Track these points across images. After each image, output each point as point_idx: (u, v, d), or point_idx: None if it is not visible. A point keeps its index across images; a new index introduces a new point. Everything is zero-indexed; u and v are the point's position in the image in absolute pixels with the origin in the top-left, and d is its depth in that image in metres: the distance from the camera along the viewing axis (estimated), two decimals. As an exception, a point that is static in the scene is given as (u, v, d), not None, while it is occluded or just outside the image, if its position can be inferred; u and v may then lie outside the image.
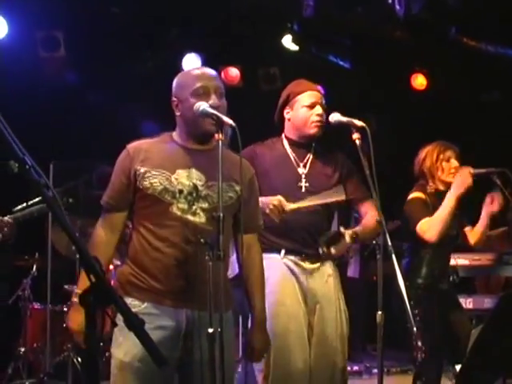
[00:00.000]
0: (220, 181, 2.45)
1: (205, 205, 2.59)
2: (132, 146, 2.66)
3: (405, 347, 6.61)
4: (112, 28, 6.64)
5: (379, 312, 2.93)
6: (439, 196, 4.10)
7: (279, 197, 3.21)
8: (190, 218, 2.56)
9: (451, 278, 3.54)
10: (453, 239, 4.15)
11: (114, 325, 1.59)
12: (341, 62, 7.29)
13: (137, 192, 2.59)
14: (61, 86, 6.90)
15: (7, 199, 4.58)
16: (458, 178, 3.95)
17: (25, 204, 4.80)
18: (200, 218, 2.57)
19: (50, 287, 5.34)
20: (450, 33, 6.56)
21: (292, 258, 3.35)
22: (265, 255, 3.35)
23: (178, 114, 2.66)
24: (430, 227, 3.93)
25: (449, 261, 4.19)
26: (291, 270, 3.34)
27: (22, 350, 5.52)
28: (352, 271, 7.47)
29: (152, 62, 6.99)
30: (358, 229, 3.38)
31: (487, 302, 4.79)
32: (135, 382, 2.48)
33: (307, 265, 3.36)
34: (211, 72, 2.70)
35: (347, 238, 3.25)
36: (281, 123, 3.55)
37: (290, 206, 3.22)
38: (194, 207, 2.57)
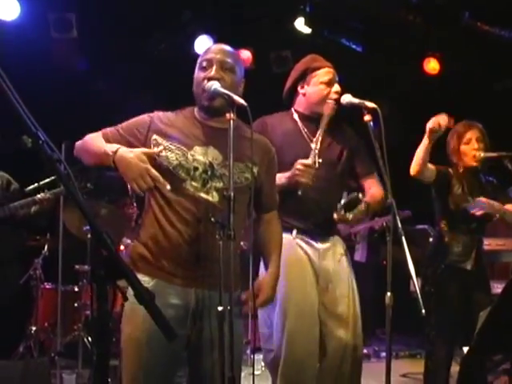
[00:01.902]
0: (231, 159, 2.44)
1: (219, 184, 2.57)
2: (157, 113, 2.68)
3: (414, 332, 6.67)
4: (124, 10, 6.63)
5: (388, 293, 2.93)
6: (469, 175, 4.14)
7: (299, 161, 3.18)
8: (204, 196, 2.55)
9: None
10: (471, 215, 4.08)
11: (125, 299, 1.60)
12: (353, 46, 7.27)
13: (150, 162, 2.54)
14: (73, 67, 6.91)
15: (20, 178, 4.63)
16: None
17: (36, 184, 4.84)
18: (213, 197, 2.56)
19: (61, 267, 5.36)
20: (464, 17, 6.51)
21: (304, 237, 3.34)
22: None
23: (193, 89, 2.69)
24: (412, 164, 3.98)
25: (475, 240, 4.12)
26: (303, 250, 3.33)
27: (34, 329, 5.57)
28: (359, 256, 7.49)
29: (165, 45, 6.99)
30: (368, 199, 3.36)
31: (494, 287, 4.77)
32: (143, 357, 2.49)
33: (319, 244, 3.36)
34: (222, 46, 2.70)
35: (363, 205, 3.25)
36: (291, 98, 3.52)
37: (310, 159, 3.19)
38: (207, 185, 2.56)
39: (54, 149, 1.51)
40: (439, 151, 4.23)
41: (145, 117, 2.66)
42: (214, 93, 2.55)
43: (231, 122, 2.48)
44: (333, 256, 3.38)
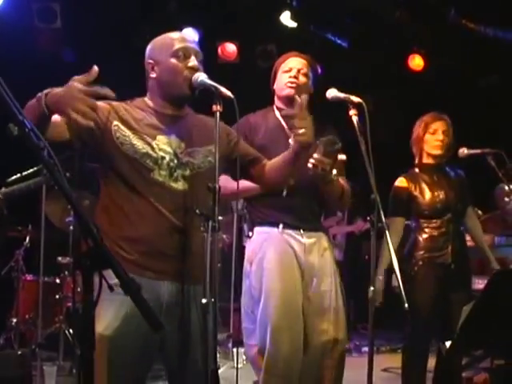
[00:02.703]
0: (216, 150, 2.42)
1: (186, 172, 2.55)
2: (113, 102, 2.54)
3: (395, 327, 6.71)
4: (109, 1, 6.59)
5: (371, 288, 2.94)
6: (427, 171, 4.14)
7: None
8: (173, 184, 2.52)
9: None
10: (443, 208, 4.09)
11: (111, 289, 1.58)
12: (339, 41, 7.28)
13: (115, 151, 2.48)
14: (56, 57, 6.86)
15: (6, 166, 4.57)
16: None
17: (19, 175, 4.80)
18: (182, 185, 2.53)
19: (42, 259, 5.33)
20: (450, 14, 6.54)
21: (290, 232, 3.34)
22: (263, 229, 3.38)
23: (153, 76, 2.59)
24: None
25: (452, 230, 4.12)
26: (289, 244, 3.32)
27: (14, 320, 5.56)
28: (336, 254, 7.55)
29: (150, 36, 6.93)
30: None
31: (477, 283, 4.80)
32: (116, 356, 2.40)
33: (305, 239, 3.35)
34: (191, 36, 2.70)
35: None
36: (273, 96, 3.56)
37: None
38: (175, 174, 2.53)
39: (40, 137, 1.50)
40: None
41: (102, 103, 2.50)
42: (200, 84, 2.52)
43: (217, 113, 2.45)
44: (318, 251, 3.38)
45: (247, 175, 2.80)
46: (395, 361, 5.92)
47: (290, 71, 3.41)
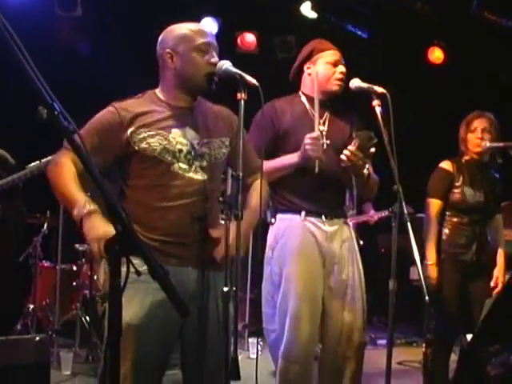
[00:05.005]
0: (241, 139, 2.45)
1: (203, 163, 2.57)
2: (120, 105, 2.55)
3: (410, 320, 6.69)
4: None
5: (392, 280, 2.94)
6: (472, 166, 4.14)
7: (306, 136, 3.14)
8: (193, 176, 2.54)
9: None
10: (479, 208, 4.10)
11: (138, 274, 1.58)
12: (359, 32, 7.24)
13: (131, 154, 2.50)
14: (76, 46, 6.88)
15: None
16: None
17: (38, 162, 4.81)
18: (202, 176, 2.55)
19: (60, 246, 5.36)
20: (472, 6, 6.48)
21: (312, 219, 3.33)
22: (285, 216, 3.38)
23: (171, 66, 2.58)
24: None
25: (479, 230, 4.12)
26: (311, 232, 3.32)
27: (31, 306, 5.59)
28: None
29: (169, 26, 6.93)
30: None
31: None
32: (142, 345, 2.41)
33: (327, 227, 3.35)
34: (211, 30, 2.71)
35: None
36: (298, 79, 3.52)
37: (315, 132, 3.15)
38: (193, 166, 2.54)
39: (70, 120, 1.49)
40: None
41: (109, 113, 2.53)
42: (224, 72, 2.52)
43: (242, 101, 2.45)
44: (340, 239, 3.38)
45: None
46: (411, 354, 5.93)
47: (337, 66, 3.40)
